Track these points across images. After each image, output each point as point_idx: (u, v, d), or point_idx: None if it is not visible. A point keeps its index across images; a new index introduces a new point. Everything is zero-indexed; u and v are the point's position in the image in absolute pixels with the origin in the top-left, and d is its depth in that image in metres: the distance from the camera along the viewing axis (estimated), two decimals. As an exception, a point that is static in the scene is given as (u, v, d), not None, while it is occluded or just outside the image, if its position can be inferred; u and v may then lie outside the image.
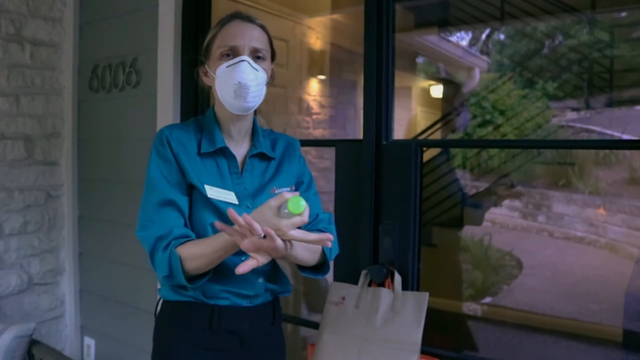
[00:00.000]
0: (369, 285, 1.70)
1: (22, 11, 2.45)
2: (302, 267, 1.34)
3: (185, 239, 1.23)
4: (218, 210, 1.27)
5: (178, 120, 2.18)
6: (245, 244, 1.09)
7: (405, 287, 1.67)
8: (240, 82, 1.23)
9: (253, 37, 1.27)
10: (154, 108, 2.23)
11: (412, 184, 1.69)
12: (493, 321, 3.71)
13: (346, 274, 1.76)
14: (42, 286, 2.57)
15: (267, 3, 3.21)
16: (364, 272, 1.71)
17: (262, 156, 1.38)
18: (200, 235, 1.27)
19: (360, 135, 1.78)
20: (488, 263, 5.17)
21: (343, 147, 1.83)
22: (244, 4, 2.84)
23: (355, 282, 1.71)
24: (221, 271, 1.27)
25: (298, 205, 1.07)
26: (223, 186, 1.29)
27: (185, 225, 1.27)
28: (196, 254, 1.19)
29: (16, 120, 2.45)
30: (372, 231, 1.74)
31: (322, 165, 3.66)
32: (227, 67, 1.25)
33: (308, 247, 1.26)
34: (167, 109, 2.18)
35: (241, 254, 1.29)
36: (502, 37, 6.05)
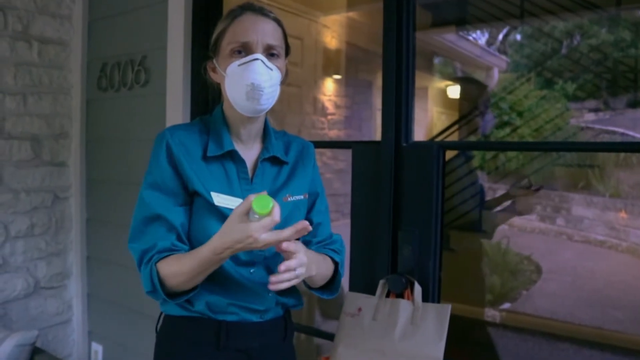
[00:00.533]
0: (387, 295, 1.60)
1: (29, 8, 2.39)
2: (311, 288, 1.27)
3: (169, 252, 1.14)
4: (225, 218, 1.17)
5: (188, 121, 2.10)
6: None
7: (425, 298, 1.57)
8: (254, 84, 1.13)
9: (267, 32, 1.17)
10: (163, 107, 2.16)
11: (434, 188, 1.58)
12: (512, 328, 3.61)
13: (363, 284, 1.67)
14: (48, 290, 2.51)
15: (282, 0, 3.13)
16: (381, 281, 1.61)
17: (275, 160, 1.28)
18: (202, 244, 1.18)
19: (377, 137, 1.69)
20: (506, 267, 5.05)
21: (360, 149, 1.73)
22: (257, 0, 2.76)
23: (373, 293, 1.61)
24: (228, 283, 1.18)
25: (265, 205, 0.97)
26: (231, 193, 1.20)
27: (179, 238, 1.17)
28: (175, 271, 1.11)
29: (23, 119, 2.39)
30: (390, 238, 1.64)
31: (337, 167, 3.58)
32: (239, 65, 1.15)
33: (318, 264, 1.19)
34: (176, 108, 2.10)
35: (249, 266, 1.20)
36: (518, 37, 5.92)
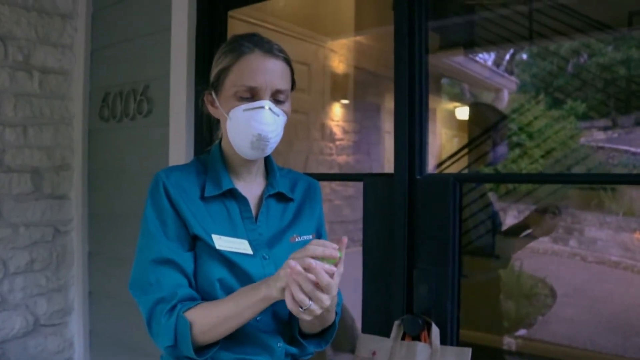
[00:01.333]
0: (403, 338, 1.51)
1: (30, 37, 2.34)
2: (305, 336, 1.17)
3: (194, 302, 1.05)
4: (229, 262, 1.08)
5: (191, 152, 2.02)
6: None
7: (444, 341, 1.47)
8: (260, 135, 1.06)
9: (275, 75, 1.09)
10: (167, 138, 2.09)
11: (451, 223, 1.49)
12: (529, 356, 3.48)
13: (377, 325, 1.57)
14: (49, 327, 2.42)
15: (288, 25, 3.08)
16: (396, 323, 1.52)
17: (280, 197, 1.20)
18: (206, 292, 1.09)
19: (386, 162, 1.60)
20: (520, 291, 4.93)
21: (372, 182, 1.65)
22: (262, 26, 2.71)
23: (387, 335, 1.51)
24: (234, 335, 1.08)
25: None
26: (234, 234, 1.11)
27: (191, 286, 1.08)
28: (212, 320, 1.01)
29: (23, 151, 2.32)
30: (405, 277, 1.55)
31: (346, 194, 3.50)
32: (244, 111, 1.07)
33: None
34: (180, 139, 2.03)
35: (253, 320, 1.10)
36: (524, 56, 5.86)
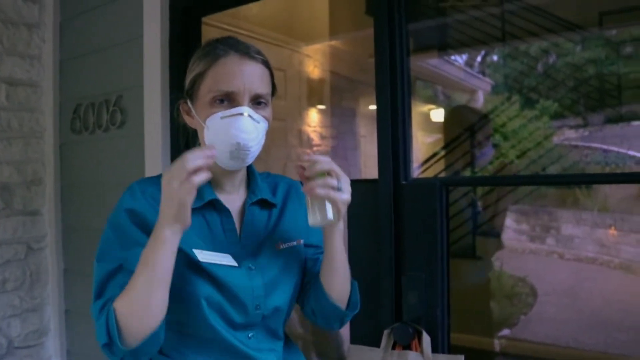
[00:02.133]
0: (393, 347, 1.47)
1: (-4, 49, 2.26)
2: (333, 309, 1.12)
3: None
4: (213, 277, 1.02)
5: (168, 163, 1.96)
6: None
7: (435, 349, 1.44)
8: (239, 143, 0.99)
9: (254, 78, 1.02)
10: (142, 149, 2.02)
11: (438, 228, 1.47)
12: (513, 356, 3.49)
13: (366, 335, 1.53)
14: (24, 349, 2.33)
15: (262, 31, 3.04)
16: (386, 332, 1.48)
17: (263, 203, 1.14)
18: (193, 315, 1.02)
19: (363, 167, 1.57)
20: (502, 291, 4.95)
21: (356, 188, 1.60)
22: (237, 32, 2.66)
23: (377, 345, 1.48)
24: (223, 355, 1.03)
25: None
26: (216, 248, 1.05)
27: None
28: (126, 298, 0.93)
29: (-9, 167, 2.24)
30: (393, 284, 1.51)
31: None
32: (222, 118, 1.00)
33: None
34: (155, 150, 1.97)
35: (246, 329, 1.05)
36: (495, 57, 5.92)
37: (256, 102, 1.03)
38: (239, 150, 1.00)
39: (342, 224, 1.08)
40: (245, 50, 1.04)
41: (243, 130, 0.99)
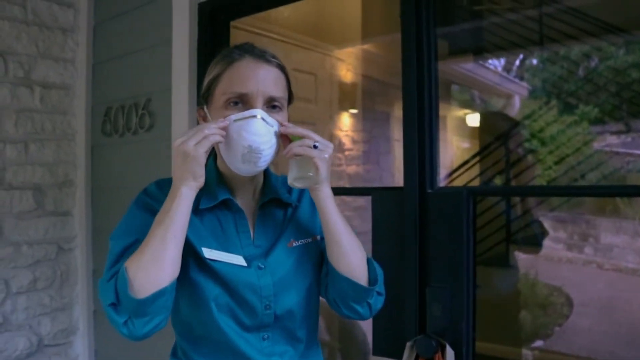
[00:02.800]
0: (416, 360, 1.43)
1: (31, 52, 2.30)
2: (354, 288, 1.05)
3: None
4: (221, 277, 1.01)
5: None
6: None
7: (459, 363, 1.40)
8: (251, 146, 0.97)
9: (268, 81, 1.00)
10: (169, 153, 2.03)
11: (464, 239, 1.42)
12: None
13: (388, 347, 1.50)
14: (53, 347, 2.37)
15: (293, 35, 3.02)
16: (409, 344, 1.44)
17: (278, 203, 1.11)
18: (203, 320, 1.01)
19: (396, 172, 1.54)
20: (536, 301, 4.82)
21: (381, 196, 1.58)
22: (267, 36, 2.66)
23: (399, 357, 1.44)
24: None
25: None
26: (228, 249, 1.03)
27: None
28: (137, 254, 0.93)
29: (25, 168, 2.28)
30: (417, 296, 1.47)
31: (356, 204, 3.42)
32: (235, 121, 0.98)
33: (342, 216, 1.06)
34: (182, 154, 1.98)
35: (259, 330, 1.04)
36: (534, 61, 5.78)
37: (270, 105, 1.01)
38: (250, 153, 0.97)
39: (328, 187, 1.04)
40: (260, 54, 1.03)
41: (255, 133, 0.97)
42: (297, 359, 1.09)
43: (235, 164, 1.00)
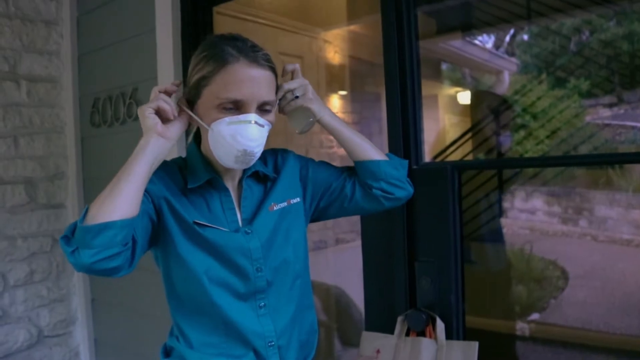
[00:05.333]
0: (407, 334, 1.46)
1: (15, 47, 2.30)
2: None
3: None
4: (211, 245, 1.05)
5: (183, 153, 1.97)
6: None
7: (449, 335, 1.43)
8: (246, 150, 1.01)
9: (262, 86, 1.02)
10: (158, 141, 2.04)
11: (451, 213, 1.44)
12: (543, 340, 3.43)
13: (380, 322, 1.53)
14: (53, 338, 2.39)
15: (278, 18, 3.00)
16: (400, 318, 1.47)
17: (257, 177, 1.15)
18: (195, 296, 1.05)
19: (389, 151, 1.55)
20: (531, 275, 4.87)
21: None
22: (252, 21, 2.65)
23: (391, 331, 1.47)
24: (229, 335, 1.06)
25: None
26: (215, 224, 1.08)
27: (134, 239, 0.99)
28: (106, 190, 0.97)
29: (15, 162, 2.29)
30: (406, 270, 1.50)
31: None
32: (229, 124, 1.01)
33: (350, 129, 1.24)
34: (171, 141, 1.99)
35: (254, 297, 1.08)
36: (525, 37, 5.76)
37: (263, 109, 1.04)
38: (244, 155, 1.02)
39: (326, 112, 1.19)
40: (254, 58, 1.02)
41: (250, 138, 1.00)
42: (291, 322, 1.13)
43: (227, 163, 1.04)
